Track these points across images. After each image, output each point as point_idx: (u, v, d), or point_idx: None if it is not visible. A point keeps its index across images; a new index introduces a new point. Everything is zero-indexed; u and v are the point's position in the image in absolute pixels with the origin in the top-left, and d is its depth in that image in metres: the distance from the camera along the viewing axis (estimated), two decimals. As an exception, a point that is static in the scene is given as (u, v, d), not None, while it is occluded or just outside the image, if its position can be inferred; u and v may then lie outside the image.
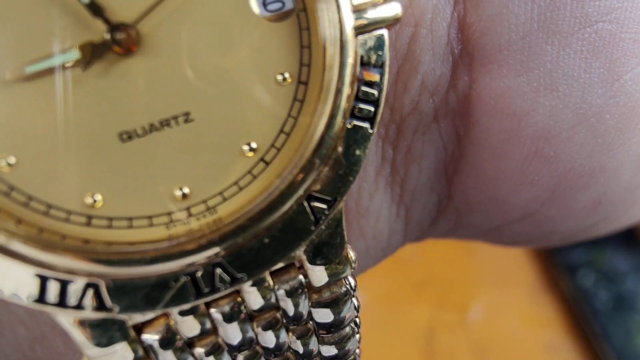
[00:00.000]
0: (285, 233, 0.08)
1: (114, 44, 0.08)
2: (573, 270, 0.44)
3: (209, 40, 0.08)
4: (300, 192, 0.08)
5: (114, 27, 0.08)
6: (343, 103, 0.08)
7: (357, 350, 0.11)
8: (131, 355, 0.08)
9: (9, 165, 0.08)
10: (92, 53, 0.08)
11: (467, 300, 0.43)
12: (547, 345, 0.40)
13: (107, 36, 0.08)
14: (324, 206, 0.08)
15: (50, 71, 0.08)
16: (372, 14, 0.08)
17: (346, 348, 0.10)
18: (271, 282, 0.09)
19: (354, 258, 0.09)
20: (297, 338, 0.10)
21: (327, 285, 0.09)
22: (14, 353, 0.09)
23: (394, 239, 0.11)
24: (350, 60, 0.08)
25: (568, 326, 0.42)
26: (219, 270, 0.08)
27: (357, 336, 0.11)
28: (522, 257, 0.48)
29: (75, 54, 0.08)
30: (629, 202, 0.12)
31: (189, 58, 0.08)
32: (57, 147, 0.08)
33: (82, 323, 0.08)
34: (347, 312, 0.10)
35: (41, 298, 0.08)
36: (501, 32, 0.09)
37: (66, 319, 0.08)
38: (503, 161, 0.10)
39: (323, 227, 0.08)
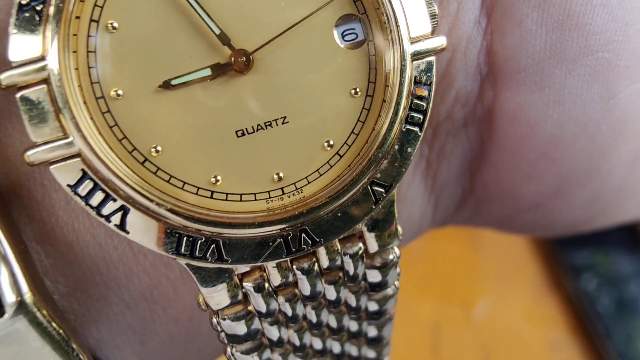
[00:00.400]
0: (353, 209, 0.11)
1: (235, 65, 0.10)
2: (577, 272, 0.45)
3: (304, 64, 0.11)
4: (365, 179, 0.11)
5: (236, 53, 0.10)
6: (400, 112, 0.11)
7: (393, 311, 0.14)
8: (232, 294, 0.11)
9: (157, 151, 0.10)
10: (218, 71, 0.10)
11: (471, 296, 0.44)
12: (550, 343, 0.41)
13: (231, 59, 0.10)
14: (382, 190, 0.11)
15: (188, 83, 0.10)
16: (425, 45, 0.10)
17: (385, 307, 0.13)
18: (339, 247, 0.11)
19: (401, 232, 0.12)
20: (352, 294, 0.12)
21: (379, 252, 0.12)
22: (139, 296, 0.12)
23: (424, 222, 0.14)
24: (407, 80, 0.10)
25: (571, 325, 0.42)
26: (304, 235, 0.11)
27: (396, 296, 0.13)
28: (526, 255, 0.49)
29: (207, 72, 0.10)
30: (621, 199, 0.14)
31: (289, 77, 0.11)
32: (192, 139, 0.10)
33: (203, 270, 0.10)
34: (392, 275, 0.12)
35: (177, 250, 0.10)
36: (520, 58, 0.12)
37: (187, 265, 0.10)
38: (517, 160, 0.13)
39: (380, 206, 0.11)
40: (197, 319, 0.13)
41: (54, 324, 0.11)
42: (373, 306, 0.13)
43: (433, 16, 0.10)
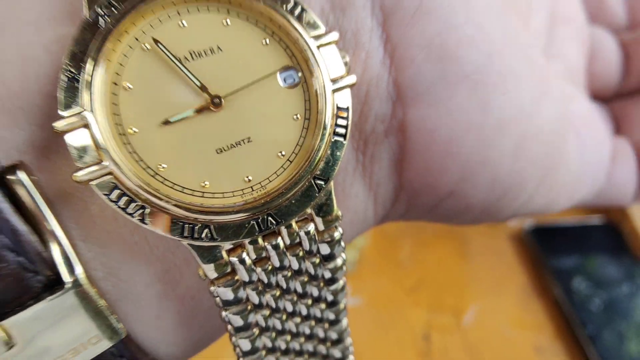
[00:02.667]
0: (303, 197, 0.15)
1: (212, 104, 0.15)
2: (563, 277, 0.47)
3: (260, 101, 0.15)
4: (309, 175, 0.15)
5: (212, 98, 0.15)
6: (328, 128, 0.15)
7: (344, 280, 0.17)
8: (223, 266, 0.15)
9: (163, 167, 0.15)
10: (201, 110, 0.15)
11: (461, 303, 0.47)
12: (538, 347, 0.43)
13: (209, 102, 0.15)
14: (322, 182, 0.15)
15: (181, 119, 0.15)
16: (341, 83, 0.15)
17: (336, 275, 0.16)
18: (296, 227, 0.16)
19: (340, 215, 0.16)
20: (311, 264, 0.17)
21: (326, 230, 0.16)
22: (155, 278, 0.16)
23: (367, 214, 0.17)
24: (331, 107, 0.15)
25: (558, 330, 0.44)
26: (269, 218, 0.15)
27: (344, 268, 0.17)
28: (514, 262, 0.52)
29: (192, 111, 0.15)
30: (516, 183, 0.17)
31: (250, 110, 0.15)
32: (186, 157, 0.15)
33: (201, 247, 0.15)
34: (338, 249, 0.16)
35: (181, 233, 0.15)
36: (417, 85, 0.15)
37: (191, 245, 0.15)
38: (428, 159, 0.16)
39: (322, 194, 0.16)
40: (198, 299, 0.16)
41: (102, 301, 0.14)
42: (327, 274, 0.17)
43: (345, 63, 0.15)
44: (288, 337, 0.17)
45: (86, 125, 0.13)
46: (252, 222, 0.15)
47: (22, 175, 0.12)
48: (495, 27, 0.16)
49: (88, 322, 0.14)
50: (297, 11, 0.12)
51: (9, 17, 0.13)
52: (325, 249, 0.16)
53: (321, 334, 0.18)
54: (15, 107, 0.13)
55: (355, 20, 0.14)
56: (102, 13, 0.12)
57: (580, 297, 0.46)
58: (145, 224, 0.14)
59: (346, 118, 0.15)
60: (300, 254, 0.16)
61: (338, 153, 0.15)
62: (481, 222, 0.17)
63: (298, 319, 0.17)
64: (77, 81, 0.12)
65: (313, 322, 0.18)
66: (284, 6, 0.13)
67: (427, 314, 0.47)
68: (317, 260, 0.16)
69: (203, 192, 0.15)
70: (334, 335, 0.18)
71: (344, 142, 0.15)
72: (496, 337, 0.44)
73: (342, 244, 0.16)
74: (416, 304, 0.48)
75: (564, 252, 0.51)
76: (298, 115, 0.14)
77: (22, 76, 0.13)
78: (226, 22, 0.13)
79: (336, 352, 0.18)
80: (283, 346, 0.17)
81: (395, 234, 0.54)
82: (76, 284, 0.14)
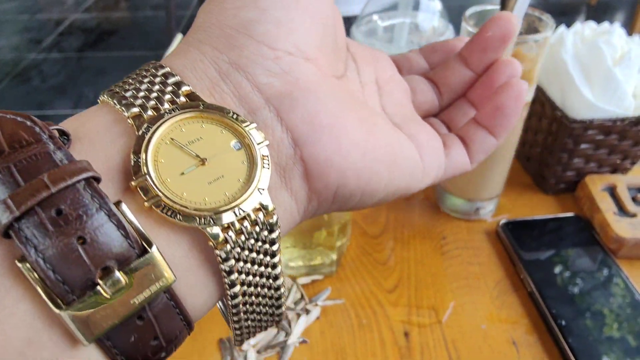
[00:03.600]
0: None
1: (202, 162, 0.18)
2: (537, 271, 0.49)
3: (225, 158, 0.18)
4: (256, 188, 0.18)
5: (202, 159, 0.18)
6: (259, 164, 0.18)
7: (279, 245, 0.19)
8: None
9: (185, 194, 0.17)
10: (198, 165, 0.18)
11: (440, 300, 0.49)
12: (514, 341, 0.44)
13: (201, 161, 0.18)
14: (263, 189, 0.18)
15: (189, 171, 0.18)
16: (263, 144, 0.19)
17: (274, 237, 0.19)
18: (254, 215, 0.18)
19: (273, 207, 0.18)
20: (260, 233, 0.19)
21: (269, 213, 0.18)
22: (188, 246, 0.17)
23: (293, 210, 0.20)
24: (259, 153, 0.18)
25: (533, 323, 0.45)
26: (240, 211, 0.18)
27: (279, 241, 0.19)
28: (490, 258, 0.53)
29: (194, 166, 0.18)
30: (373, 176, 0.21)
31: (221, 162, 0.18)
32: (195, 187, 0.17)
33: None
34: (275, 225, 0.19)
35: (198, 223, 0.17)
36: (302, 140, 0.19)
37: None
38: (320, 173, 0.20)
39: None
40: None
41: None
42: (269, 238, 0.19)
43: (263, 136, 0.19)
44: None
45: (146, 176, 0.17)
46: None
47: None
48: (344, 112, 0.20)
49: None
50: (235, 116, 0.19)
51: None
52: (269, 224, 0.19)
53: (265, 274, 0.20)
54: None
55: (261, 116, 0.20)
56: (145, 130, 0.17)
57: (553, 290, 0.48)
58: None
59: (268, 159, 0.19)
60: (257, 229, 0.19)
61: (267, 175, 0.19)
62: (366, 203, 0.21)
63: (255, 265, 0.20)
64: (139, 162, 0.17)
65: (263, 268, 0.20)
66: (231, 115, 0.19)
67: (407, 312, 0.48)
68: (266, 233, 0.19)
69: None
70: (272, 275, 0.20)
71: (269, 170, 0.19)
72: (474, 333, 0.46)
73: (276, 218, 0.19)
74: (397, 302, 0.49)
75: (537, 246, 0.53)
76: (244, 162, 0.19)
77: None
78: (203, 125, 0.18)
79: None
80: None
81: (375, 233, 0.55)
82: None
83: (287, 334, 0.45)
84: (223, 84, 0.18)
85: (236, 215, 0.17)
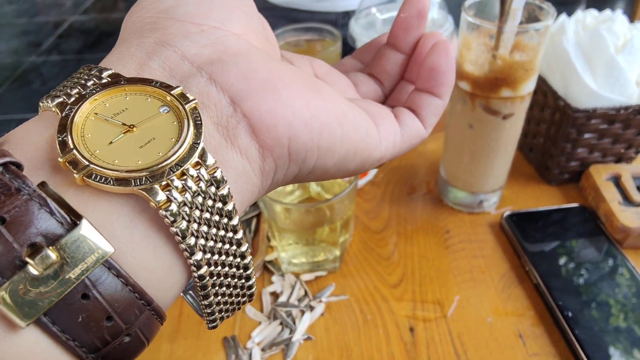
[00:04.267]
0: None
1: (130, 128, 0.18)
2: (542, 262, 0.49)
3: (155, 122, 0.18)
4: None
5: (129, 125, 0.18)
6: (191, 121, 0.18)
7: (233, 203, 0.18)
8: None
9: (116, 161, 0.17)
10: (126, 132, 0.17)
11: (445, 294, 0.48)
12: (521, 334, 0.43)
13: (128, 127, 0.18)
14: (199, 143, 0.17)
15: (118, 139, 0.17)
16: (192, 103, 0.18)
17: (222, 186, 0.18)
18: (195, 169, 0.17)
19: (213, 161, 0.17)
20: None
21: (212, 167, 0.17)
22: None
23: (247, 169, 0.19)
24: (190, 114, 0.18)
25: (539, 315, 0.45)
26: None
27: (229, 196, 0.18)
28: (495, 250, 0.53)
29: (121, 133, 0.18)
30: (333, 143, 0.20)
31: (152, 127, 0.18)
32: (127, 153, 0.17)
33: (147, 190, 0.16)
34: (221, 180, 0.17)
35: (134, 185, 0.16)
36: (240, 95, 0.19)
37: None
38: (268, 125, 0.19)
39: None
40: None
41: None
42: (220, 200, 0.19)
43: (193, 98, 0.18)
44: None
45: (75, 155, 0.16)
46: None
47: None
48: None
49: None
50: (158, 84, 0.18)
51: None
52: (214, 179, 0.18)
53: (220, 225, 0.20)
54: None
55: (194, 83, 0.19)
56: (67, 112, 0.17)
57: (559, 282, 0.47)
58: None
59: (199, 113, 0.18)
60: (202, 186, 0.18)
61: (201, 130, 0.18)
62: (328, 164, 0.21)
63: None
64: (65, 140, 0.16)
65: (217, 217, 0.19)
66: (154, 83, 0.18)
67: (412, 307, 0.48)
68: (213, 189, 0.18)
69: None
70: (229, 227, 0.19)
71: (202, 130, 0.18)
72: (480, 326, 0.45)
73: (220, 173, 0.18)
74: (401, 297, 0.49)
75: (542, 237, 0.52)
76: (174, 122, 0.18)
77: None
78: (127, 97, 0.18)
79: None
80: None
81: (378, 229, 0.55)
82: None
83: (292, 331, 0.45)
84: (151, 62, 0.18)
85: (173, 171, 0.16)
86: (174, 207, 0.16)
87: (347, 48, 0.95)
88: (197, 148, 0.17)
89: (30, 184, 0.14)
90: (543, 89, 0.57)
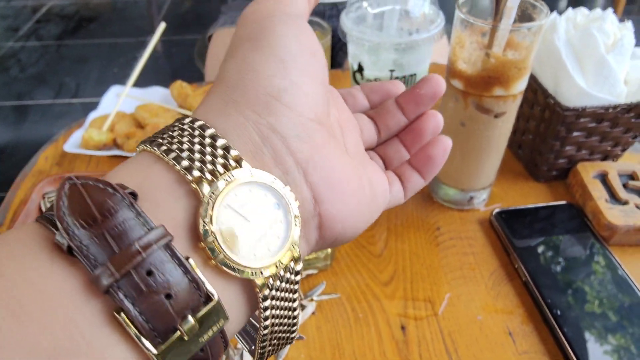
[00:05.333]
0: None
1: None
2: (531, 259, 0.49)
3: (263, 214, 0.20)
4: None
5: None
6: (293, 224, 0.21)
7: None
8: None
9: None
10: None
11: (436, 292, 0.49)
12: (510, 331, 0.44)
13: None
14: (296, 244, 0.21)
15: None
16: (293, 207, 0.21)
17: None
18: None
19: (300, 257, 0.21)
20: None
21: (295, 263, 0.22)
22: None
23: (304, 249, 0.23)
24: (293, 216, 0.21)
25: (528, 313, 0.45)
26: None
27: None
28: (484, 247, 0.53)
29: None
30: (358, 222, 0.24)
31: (259, 216, 0.21)
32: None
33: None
34: (300, 272, 0.22)
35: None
36: (320, 198, 0.22)
37: None
38: (328, 226, 0.23)
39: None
40: None
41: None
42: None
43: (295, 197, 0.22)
44: None
45: (214, 242, 0.20)
46: None
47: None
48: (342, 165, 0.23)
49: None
50: (276, 180, 0.21)
51: None
52: (296, 271, 0.22)
53: None
54: None
55: (292, 177, 0.22)
56: (209, 197, 0.19)
57: (547, 279, 0.48)
58: None
59: (299, 218, 0.22)
60: (288, 274, 0.22)
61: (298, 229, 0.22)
62: (349, 240, 0.25)
63: None
64: (207, 228, 0.19)
65: None
66: (272, 180, 0.21)
67: (403, 305, 0.48)
68: (293, 277, 0.22)
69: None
70: None
71: (299, 227, 0.22)
72: (470, 324, 0.45)
73: (301, 265, 0.22)
74: (393, 295, 0.49)
75: (530, 234, 0.53)
76: (282, 220, 0.21)
77: None
78: (251, 190, 0.20)
79: None
80: None
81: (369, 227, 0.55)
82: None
83: (283, 330, 0.45)
84: (264, 148, 0.21)
85: (277, 268, 0.20)
86: (267, 291, 0.20)
87: (337, 41, 0.94)
88: (294, 248, 0.21)
89: (185, 263, 0.17)
90: (533, 86, 0.57)
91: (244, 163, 0.20)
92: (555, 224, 0.53)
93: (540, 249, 0.50)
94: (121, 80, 0.91)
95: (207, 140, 0.19)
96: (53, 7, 2.70)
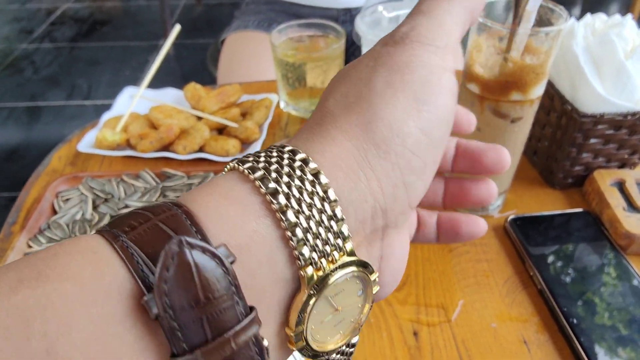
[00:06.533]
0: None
1: (335, 310, 0.21)
2: (547, 267, 0.48)
3: (349, 302, 0.21)
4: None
5: (335, 308, 0.21)
6: (367, 309, 0.22)
7: None
8: None
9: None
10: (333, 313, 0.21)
11: (449, 299, 0.48)
12: (525, 340, 0.43)
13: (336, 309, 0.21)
14: (361, 326, 0.22)
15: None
16: (374, 294, 0.22)
17: None
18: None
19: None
20: None
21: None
22: None
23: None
24: (369, 305, 0.22)
25: (543, 321, 0.44)
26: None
27: None
28: (499, 254, 0.52)
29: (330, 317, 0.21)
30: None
31: (345, 305, 0.21)
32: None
33: None
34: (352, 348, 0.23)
35: None
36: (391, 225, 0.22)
37: None
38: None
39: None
40: None
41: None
42: None
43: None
44: None
45: (301, 333, 0.20)
46: None
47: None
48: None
49: None
50: (371, 269, 0.21)
51: None
52: (349, 353, 0.23)
53: None
54: None
55: (375, 251, 0.22)
56: (312, 292, 0.19)
57: (563, 287, 0.47)
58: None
59: (372, 305, 0.23)
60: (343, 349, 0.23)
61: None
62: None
63: None
64: (302, 321, 0.19)
65: None
66: (368, 269, 0.21)
67: (416, 311, 0.47)
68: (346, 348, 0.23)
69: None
70: None
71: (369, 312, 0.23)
72: (484, 332, 0.45)
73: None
74: (405, 301, 0.48)
75: (546, 242, 0.52)
76: (360, 305, 0.22)
77: None
78: (347, 279, 0.20)
79: None
80: None
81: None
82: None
83: (294, 334, 0.44)
84: (366, 226, 0.21)
85: (339, 354, 0.21)
86: None
87: (350, 45, 0.94)
88: (359, 329, 0.21)
89: None
90: (550, 92, 0.56)
91: (350, 247, 0.19)
92: (571, 232, 0.52)
93: (555, 257, 0.49)
94: (133, 83, 0.92)
95: (327, 216, 0.18)
96: (67, 10, 2.73)
